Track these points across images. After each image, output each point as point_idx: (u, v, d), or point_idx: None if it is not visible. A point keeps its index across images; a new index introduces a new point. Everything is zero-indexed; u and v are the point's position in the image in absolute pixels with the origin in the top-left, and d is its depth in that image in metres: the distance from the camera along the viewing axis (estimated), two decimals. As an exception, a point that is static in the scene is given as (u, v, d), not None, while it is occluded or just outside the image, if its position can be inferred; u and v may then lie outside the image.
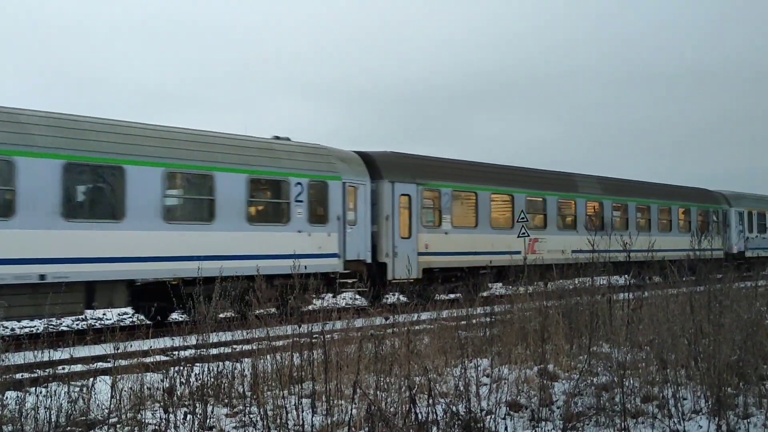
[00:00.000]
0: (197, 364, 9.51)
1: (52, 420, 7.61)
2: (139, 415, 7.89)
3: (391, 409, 7.39)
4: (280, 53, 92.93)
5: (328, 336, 10.11)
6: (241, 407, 8.48)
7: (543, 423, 7.72)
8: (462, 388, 7.70)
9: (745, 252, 38.86)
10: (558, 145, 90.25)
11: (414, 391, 6.85)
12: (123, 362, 9.43)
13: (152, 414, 8.02)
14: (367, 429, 6.87)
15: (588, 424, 7.72)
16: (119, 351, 9.26)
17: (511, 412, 8.23)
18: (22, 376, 8.86)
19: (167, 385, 8.61)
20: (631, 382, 8.65)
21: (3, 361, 8.19)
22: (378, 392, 7.93)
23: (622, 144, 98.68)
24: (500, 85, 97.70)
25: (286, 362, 9.47)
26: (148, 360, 10.13)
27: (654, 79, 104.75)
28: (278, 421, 7.59)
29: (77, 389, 8.42)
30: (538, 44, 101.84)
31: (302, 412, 7.65)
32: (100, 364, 10.45)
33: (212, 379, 8.99)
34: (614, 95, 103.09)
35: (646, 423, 7.86)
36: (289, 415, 7.67)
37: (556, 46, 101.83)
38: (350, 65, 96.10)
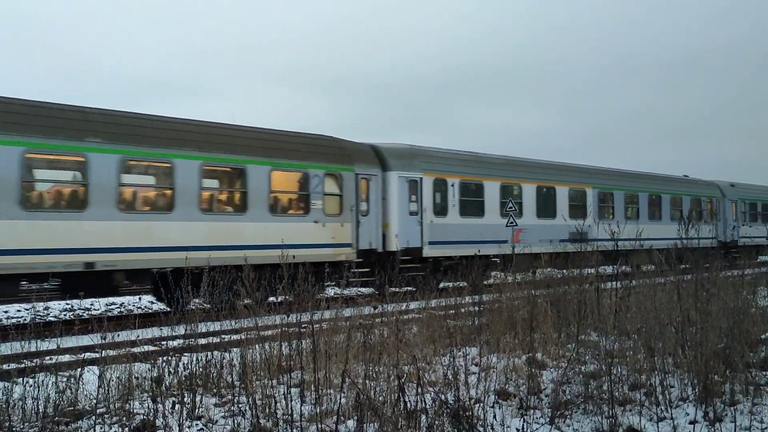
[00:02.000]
0: (185, 354, 9.49)
1: (40, 410, 7.58)
2: (127, 405, 7.87)
3: (380, 398, 7.39)
4: (261, 40, 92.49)
5: (317, 326, 10.10)
6: (229, 397, 8.46)
7: (531, 411, 7.74)
8: (451, 377, 7.71)
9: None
10: (552, 134, 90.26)
11: (403, 380, 6.85)
12: (111, 352, 9.39)
13: (140, 404, 8.01)
14: (356, 418, 6.86)
15: (576, 412, 7.75)
16: (107, 341, 9.24)
17: (500, 401, 8.25)
18: (8, 366, 8.81)
19: (155, 375, 8.59)
20: (619, 370, 8.67)
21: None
22: (367, 381, 7.93)
23: (617, 132, 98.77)
24: (490, 75, 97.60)
25: (275, 352, 9.45)
26: (136, 350, 10.09)
27: (647, 66, 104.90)
28: (267, 410, 7.58)
29: (65, 379, 8.39)
30: (528, 32, 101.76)
31: (291, 401, 7.65)
32: (88, 355, 10.40)
33: (201, 369, 8.96)
34: (607, 83, 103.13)
35: (633, 410, 7.90)
36: (278, 404, 7.66)
37: (546, 34, 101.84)
38: (336, 53, 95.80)
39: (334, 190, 21.24)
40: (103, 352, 8.51)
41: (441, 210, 24.13)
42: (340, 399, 7.05)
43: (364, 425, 6.55)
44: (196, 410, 7.86)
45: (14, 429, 6.97)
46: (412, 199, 23.18)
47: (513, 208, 26.60)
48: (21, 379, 8.27)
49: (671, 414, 7.51)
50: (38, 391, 7.82)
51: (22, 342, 8.93)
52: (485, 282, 19.07)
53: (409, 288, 20.05)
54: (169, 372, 8.72)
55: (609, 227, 23.67)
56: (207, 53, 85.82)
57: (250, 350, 9.47)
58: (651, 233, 28.13)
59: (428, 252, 23.37)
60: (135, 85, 73.58)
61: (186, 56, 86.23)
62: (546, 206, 28.33)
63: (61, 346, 10.13)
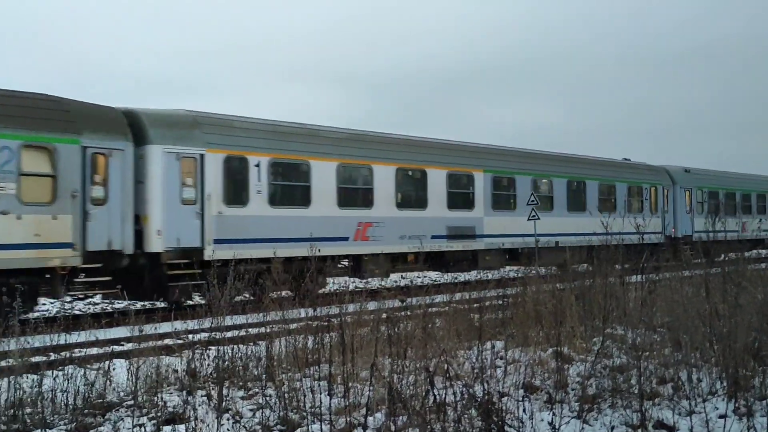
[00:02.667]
0: (212, 347, 9.56)
1: (70, 403, 7.67)
2: (155, 397, 7.93)
3: (407, 391, 7.39)
4: (269, 35, 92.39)
5: (339, 319, 10.14)
6: (256, 390, 8.50)
7: (559, 405, 7.71)
8: (477, 371, 7.70)
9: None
10: (555, 129, 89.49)
11: (432, 373, 6.85)
12: (139, 345, 9.48)
13: (168, 396, 8.07)
14: (384, 411, 6.87)
15: (605, 406, 7.71)
16: (135, 335, 9.33)
17: (527, 394, 8.23)
18: (38, 359, 8.90)
19: (189, 368, 8.66)
20: (646, 364, 8.62)
21: (25, 344, 8.25)
22: (393, 375, 7.94)
23: (621, 125, 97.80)
24: (497, 69, 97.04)
25: (300, 345, 9.50)
26: (162, 343, 10.17)
27: (651, 59, 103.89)
28: (294, 403, 7.61)
29: (94, 372, 8.48)
30: (534, 26, 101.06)
31: (319, 394, 7.68)
32: (116, 348, 10.50)
33: (228, 362, 9.02)
34: (608, 77, 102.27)
35: (662, 405, 7.85)
36: (305, 397, 7.68)
37: (547, 29, 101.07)
38: (344, 48, 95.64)
39: (41, 168, 15.29)
40: (133, 345, 8.59)
41: (237, 198, 18.14)
42: (370, 392, 7.05)
43: (394, 418, 6.55)
44: (224, 403, 7.90)
45: (47, 421, 7.04)
46: (187, 182, 17.18)
47: (536, 201, 24.74)
48: (51, 371, 8.36)
49: (701, 408, 7.46)
50: (68, 383, 7.91)
51: (51, 335, 9.05)
52: (321, 291, 16.94)
53: (190, 303, 16.70)
54: (197, 365, 8.79)
55: (507, 221, 22.07)
56: (209, 52, 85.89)
57: (276, 343, 9.52)
58: (570, 227, 26.26)
59: (214, 253, 17.18)
60: (136, 83, 73.84)
61: (186, 55, 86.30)
62: (412, 193, 22.49)
63: (89, 339, 10.22)
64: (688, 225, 33.62)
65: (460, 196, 23.56)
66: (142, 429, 6.70)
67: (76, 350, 10.00)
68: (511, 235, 24.45)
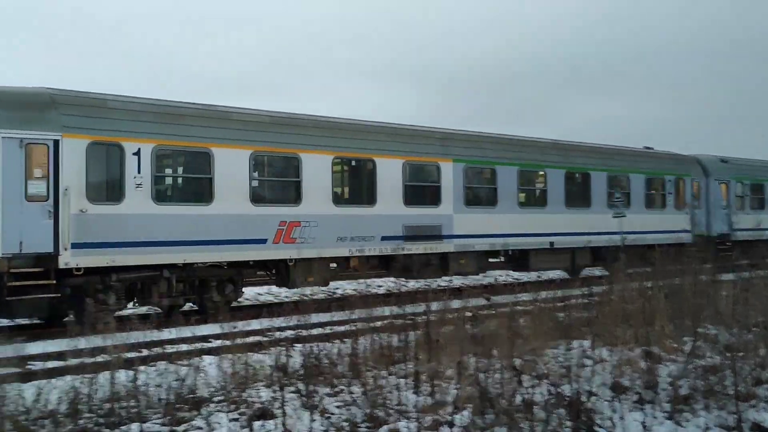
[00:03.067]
0: (297, 345, 9.71)
1: (162, 397, 7.88)
2: (244, 393, 8.09)
3: (494, 390, 7.35)
4: (342, 35, 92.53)
5: (424, 317, 10.17)
6: (342, 387, 8.58)
7: (650, 405, 7.55)
8: (565, 370, 7.61)
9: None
10: (661, 123, 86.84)
11: (519, 372, 6.80)
12: (228, 342, 9.69)
13: (256, 392, 8.22)
14: (471, 409, 6.85)
15: (698, 408, 7.52)
16: (223, 332, 9.54)
17: (616, 394, 8.08)
18: (131, 355, 9.19)
19: (278, 364, 8.78)
20: (741, 364, 8.37)
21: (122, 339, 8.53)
22: (478, 373, 7.91)
23: (726, 120, 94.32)
24: (597, 65, 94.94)
25: (385, 342, 9.55)
26: (250, 340, 10.38)
27: (756, 52, 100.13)
28: (380, 400, 7.65)
29: (185, 368, 8.70)
30: (632, 21, 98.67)
31: (404, 391, 7.71)
32: (205, 345, 10.74)
33: (314, 359, 9.13)
34: (716, 69, 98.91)
35: (758, 406, 7.61)
36: (391, 395, 7.72)
37: (651, 22, 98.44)
38: (446, 47, 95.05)
39: None
40: (222, 341, 8.77)
41: (108, 193, 14.82)
42: (456, 390, 7.04)
43: (482, 416, 6.53)
44: (311, 399, 8.00)
45: (142, 414, 7.26)
46: (35, 174, 14.08)
47: (620, 198, 23.00)
48: (144, 367, 8.62)
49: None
50: (160, 378, 8.14)
51: (144, 332, 9.34)
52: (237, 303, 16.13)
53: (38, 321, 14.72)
54: (284, 362, 8.93)
55: (485, 218, 20.21)
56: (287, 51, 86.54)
57: (361, 341, 9.60)
58: (569, 226, 22.82)
59: (73, 259, 14.00)
60: (216, 83, 75.06)
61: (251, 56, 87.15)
62: (356, 187, 19.20)
63: (179, 336, 10.49)
64: (725, 222, 28.56)
65: (420, 190, 19.77)
66: (235, 424, 6.84)
67: (168, 346, 10.28)
68: (476, 235, 20.60)
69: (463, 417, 6.94)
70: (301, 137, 17.47)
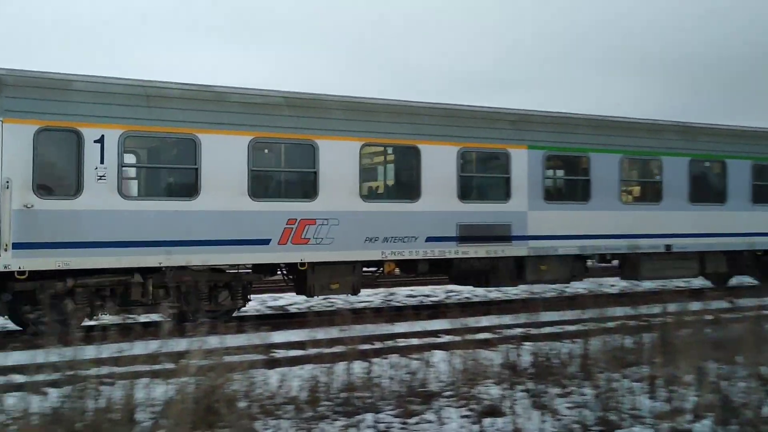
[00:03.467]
0: (527, 343, 9.64)
1: (394, 389, 8.14)
2: (473, 389, 8.16)
3: (738, 399, 6.90)
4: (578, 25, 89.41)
5: (659, 319, 9.74)
6: (572, 387, 8.42)
7: None
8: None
9: None
10: None
11: (766, 381, 6.34)
12: (456, 338, 9.82)
13: (485, 389, 8.25)
14: (711, 418, 6.47)
15: None
16: (452, 327, 9.67)
17: None
18: (366, 347, 9.58)
19: (507, 361, 8.79)
20: None
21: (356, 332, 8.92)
22: (720, 380, 7.46)
23: None
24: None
25: (617, 344, 9.25)
26: (479, 336, 10.45)
27: None
28: (612, 403, 7.43)
29: (415, 362, 8.93)
30: None
31: (638, 395, 7.43)
32: (435, 340, 10.95)
33: (544, 359, 9.04)
34: None
35: None
36: (624, 398, 7.47)
37: None
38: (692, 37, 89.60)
39: None
40: (451, 337, 8.91)
41: (61, 186, 12.85)
42: (696, 397, 6.68)
43: (724, 426, 6.16)
44: (540, 399, 7.92)
45: (376, 405, 7.54)
46: None
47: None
48: (377, 359, 8.95)
49: None
50: (393, 371, 8.41)
51: (376, 325, 9.68)
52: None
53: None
54: (513, 360, 8.91)
55: (572, 216, 17.21)
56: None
57: (592, 341, 9.37)
58: (695, 226, 18.93)
59: (14, 261, 12.17)
60: (466, 81, 75.64)
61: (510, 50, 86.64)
62: (393, 179, 16.61)
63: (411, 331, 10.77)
64: None
65: (487, 182, 17.15)
66: (465, 420, 6.92)
67: (399, 340, 10.60)
68: (560, 236, 17.30)
69: (704, 426, 6.57)
70: (319, 121, 14.79)
